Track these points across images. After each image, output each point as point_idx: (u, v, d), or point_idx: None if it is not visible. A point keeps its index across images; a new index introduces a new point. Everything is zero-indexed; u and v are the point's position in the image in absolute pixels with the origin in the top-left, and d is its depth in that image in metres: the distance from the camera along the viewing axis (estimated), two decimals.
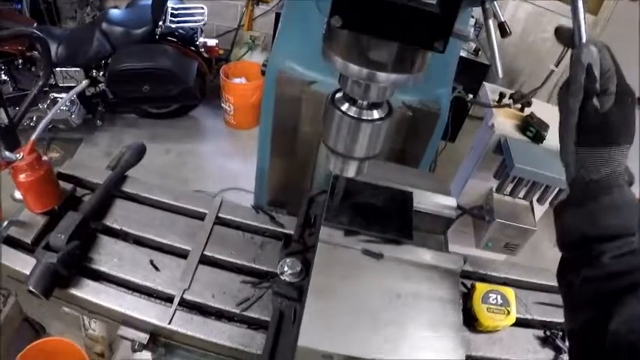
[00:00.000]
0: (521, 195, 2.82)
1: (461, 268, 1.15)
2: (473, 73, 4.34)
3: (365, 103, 0.83)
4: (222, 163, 4.28)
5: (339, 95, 0.86)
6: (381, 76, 0.72)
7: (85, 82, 1.73)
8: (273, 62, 1.62)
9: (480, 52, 4.59)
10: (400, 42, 0.67)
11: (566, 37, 0.81)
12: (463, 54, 4.61)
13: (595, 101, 0.78)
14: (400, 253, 1.12)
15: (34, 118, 3.90)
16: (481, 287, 1.35)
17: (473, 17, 4.62)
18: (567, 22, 0.80)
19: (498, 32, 1.32)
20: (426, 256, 1.13)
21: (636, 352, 0.69)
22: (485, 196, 3.02)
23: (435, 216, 1.32)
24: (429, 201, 1.32)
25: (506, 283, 1.47)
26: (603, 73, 0.79)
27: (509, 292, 1.35)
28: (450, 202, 1.34)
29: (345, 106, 0.84)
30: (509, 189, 2.77)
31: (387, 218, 1.17)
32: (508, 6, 5.23)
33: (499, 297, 1.33)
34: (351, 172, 0.96)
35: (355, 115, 0.84)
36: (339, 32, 0.69)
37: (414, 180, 1.33)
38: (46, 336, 2.72)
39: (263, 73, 1.67)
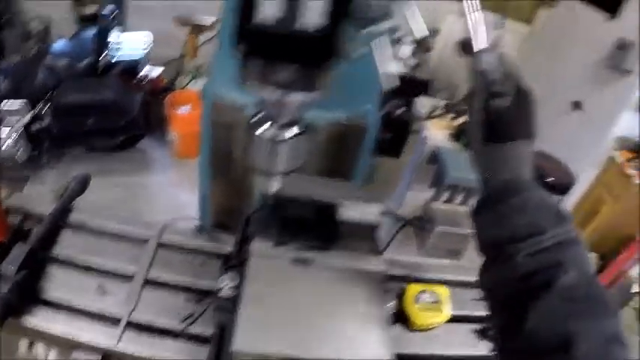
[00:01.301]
0: (457, 202, 2.93)
1: (384, 269, 1.24)
2: (413, 88, 4.45)
3: (280, 122, 0.91)
4: (172, 193, 4.27)
5: (256, 118, 0.94)
6: (289, 96, 0.81)
7: (28, 117, 1.78)
8: (208, 89, 1.70)
9: (419, 68, 4.71)
10: (294, 64, 0.76)
11: (468, 47, 0.90)
12: (402, 70, 4.74)
13: (494, 102, 0.85)
14: (327, 259, 1.20)
15: None
16: (413, 288, 1.44)
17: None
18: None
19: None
20: (351, 260, 1.22)
21: (551, 350, 0.71)
22: (424, 206, 3.13)
23: (361, 224, 1.40)
24: (355, 210, 1.40)
25: (443, 283, 1.55)
26: (500, 76, 0.87)
27: (443, 291, 1.44)
28: (375, 209, 1.42)
29: (262, 128, 0.92)
30: (445, 197, 2.88)
31: (314, 228, 1.25)
32: (445, 22, 5.41)
33: (432, 296, 1.42)
34: (274, 187, 1.05)
35: (272, 136, 0.92)
36: (247, 59, 0.77)
37: (340, 192, 1.42)
38: None
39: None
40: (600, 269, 4.23)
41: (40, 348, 1.50)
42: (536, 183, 0.85)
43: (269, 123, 0.92)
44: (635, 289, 4.20)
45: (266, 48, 0.72)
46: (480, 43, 0.90)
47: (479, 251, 0.89)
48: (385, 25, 1.32)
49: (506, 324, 0.80)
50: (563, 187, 4.04)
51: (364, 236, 1.40)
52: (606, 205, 4.17)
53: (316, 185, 1.40)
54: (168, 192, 4.34)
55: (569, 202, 4.31)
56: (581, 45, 4.06)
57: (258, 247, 1.20)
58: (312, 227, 1.26)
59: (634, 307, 4.44)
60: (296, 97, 0.82)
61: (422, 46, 1.53)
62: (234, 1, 0.69)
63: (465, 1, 0.93)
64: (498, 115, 0.85)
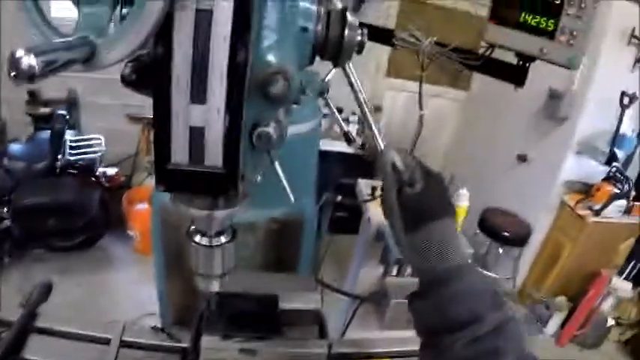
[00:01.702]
0: (407, 273, 3.06)
1: (327, 351, 1.35)
2: (360, 167, 4.58)
3: (211, 233, 1.03)
4: (134, 290, 4.28)
5: (192, 228, 1.05)
6: (214, 215, 0.93)
7: None
8: (155, 195, 1.83)
9: (366, 146, 4.85)
10: (206, 195, 0.90)
11: (372, 151, 1.01)
12: (349, 150, 4.91)
13: (407, 190, 0.88)
14: (272, 347, 1.31)
15: None
16: None
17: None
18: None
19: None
20: (295, 347, 1.34)
21: None
22: (378, 282, 3.24)
23: (302, 310, 1.51)
24: (295, 299, 1.52)
25: (387, 356, 1.64)
26: (407, 166, 0.90)
27: None
28: (314, 296, 1.54)
29: (197, 238, 1.04)
30: (394, 271, 3.01)
31: (258, 320, 1.37)
32: (385, 96, 5.65)
33: None
34: (214, 287, 1.14)
35: (206, 244, 1.04)
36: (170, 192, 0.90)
37: (279, 284, 1.55)
38: None
39: None
40: (571, 311, 4.38)
41: None
42: (468, 263, 0.86)
43: (202, 234, 1.03)
44: (610, 322, 4.31)
45: (182, 184, 0.84)
46: (381, 142, 1.02)
47: (421, 343, 0.89)
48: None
49: None
50: (520, 239, 4.21)
51: (308, 322, 1.51)
52: (566, 248, 4.30)
53: (257, 280, 1.53)
54: (130, 289, 4.36)
55: (529, 251, 4.47)
56: (517, 101, 4.27)
57: (207, 341, 1.31)
58: (255, 319, 1.38)
59: (613, 339, 4.54)
60: (220, 214, 0.94)
61: (347, 139, 1.69)
62: (154, 145, 0.80)
63: (364, 107, 1.09)
64: (412, 202, 0.87)
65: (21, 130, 4.90)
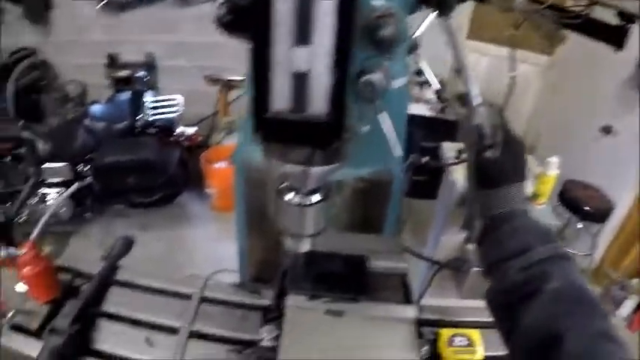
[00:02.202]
0: None
1: (416, 316, 1.30)
2: (440, 130, 4.44)
3: (305, 190, 0.99)
4: (211, 247, 4.33)
5: (282, 186, 1.02)
6: (310, 170, 0.88)
7: (75, 186, 1.88)
8: (237, 152, 1.78)
9: (446, 110, 4.76)
10: (308, 146, 0.84)
11: (463, 101, 0.98)
12: (429, 113, 4.82)
13: (488, 153, 0.93)
14: (359, 309, 1.27)
15: (25, 214, 3.98)
16: (445, 332, 1.46)
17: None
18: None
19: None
20: (383, 310, 1.29)
21: (543, 346, 0.77)
22: (459, 248, 3.15)
23: (389, 274, 1.48)
24: (383, 261, 1.48)
25: (476, 325, 1.57)
26: (493, 128, 0.94)
27: (474, 334, 1.47)
28: (402, 260, 1.50)
29: (289, 196, 1.00)
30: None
31: (345, 281, 1.33)
32: (470, 58, 5.47)
33: (464, 339, 1.45)
34: (305, 247, 1.12)
35: (299, 202, 1.00)
36: (266, 142, 0.84)
37: (366, 245, 1.50)
38: None
39: None
40: None
41: None
42: (524, 209, 0.95)
43: (294, 192, 1.00)
44: None
45: (281, 134, 0.79)
46: (475, 98, 0.98)
47: (483, 275, 0.97)
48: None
49: (505, 328, 0.89)
50: (601, 215, 3.96)
51: (394, 285, 1.47)
52: None
53: (345, 240, 1.48)
54: (207, 245, 4.42)
55: (609, 228, 4.24)
56: (603, 70, 4.05)
57: (294, 300, 1.28)
58: (343, 280, 1.33)
59: None
60: (316, 171, 0.89)
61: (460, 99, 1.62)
62: (251, 93, 0.76)
63: (464, 59, 1.03)
64: (489, 164, 0.93)
65: (101, 93, 5.01)
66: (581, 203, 3.87)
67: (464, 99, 0.99)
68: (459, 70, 1.03)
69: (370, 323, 1.27)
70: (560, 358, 0.74)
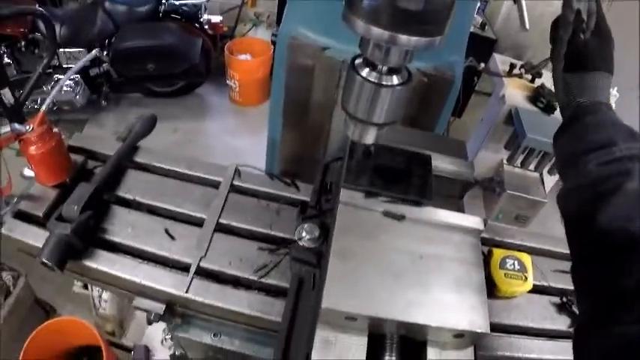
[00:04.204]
0: (531, 167, 2.81)
1: (482, 229, 1.12)
2: (479, 47, 4.27)
3: (385, 68, 0.83)
4: (229, 141, 4.25)
5: (359, 61, 0.85)
6: (403, 38, 0.71)
7: (95, 51, 1.69)
8: (284, 29, 1.59)
9: (486, 27, 4.52)
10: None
11: None
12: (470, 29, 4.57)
13: (580, 36, 0.92)
14: (421, 214, 1.09)
15: (39, 100, 3.81)
16: (498, 253, 1.34)
17: None
18: None
19: None
20: (448, 217, 1.11)
21: (619, 249, 0.72)
22: (495, 168, 3.01)
23: (452, 179, 1.31)
24: (447, 164, 1.31)
25: (522, 250, 1.43)
26: (589, 13, 0.91)
27: (526, 258, 1.34)
28: (468, 165, 1.33)
29: (365, 72, 0.84)
30: (520, 160, 2.76)
31: (407, 180, 1.14)
32: None
33: (516, 263, 1.32)
34: (370, 138, 0.97)
35: (375, 81, 0.83)
36: None
37: (431, 143, 1.32)
38: (57, 317, 2.71)
39: (274, 43, 1.65)
40: None
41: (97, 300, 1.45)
42: (608, 104, 0.91)
43: (371, 67, 0.84)
44: None
45: None
46: None
47: (559, 174, 0.96)
48: None
49: (577, 230, 0.85)
50: None
51: (455, 194, 1.32)
52: None
53: (409, 136, 1.29)
54: (225, 138, 4.32)
55: None
56: None
57: (348, 196, 1.09)
58: (405, 179, 1.15)
59: None
60: (409, 41, 0.72)
61: None
62: None
63: None
64: (580, 47, 0.92)
65: None
66: None
67: None
68: None
69: (433, 231, 1.09)
70: (637, 261, 0.69)
